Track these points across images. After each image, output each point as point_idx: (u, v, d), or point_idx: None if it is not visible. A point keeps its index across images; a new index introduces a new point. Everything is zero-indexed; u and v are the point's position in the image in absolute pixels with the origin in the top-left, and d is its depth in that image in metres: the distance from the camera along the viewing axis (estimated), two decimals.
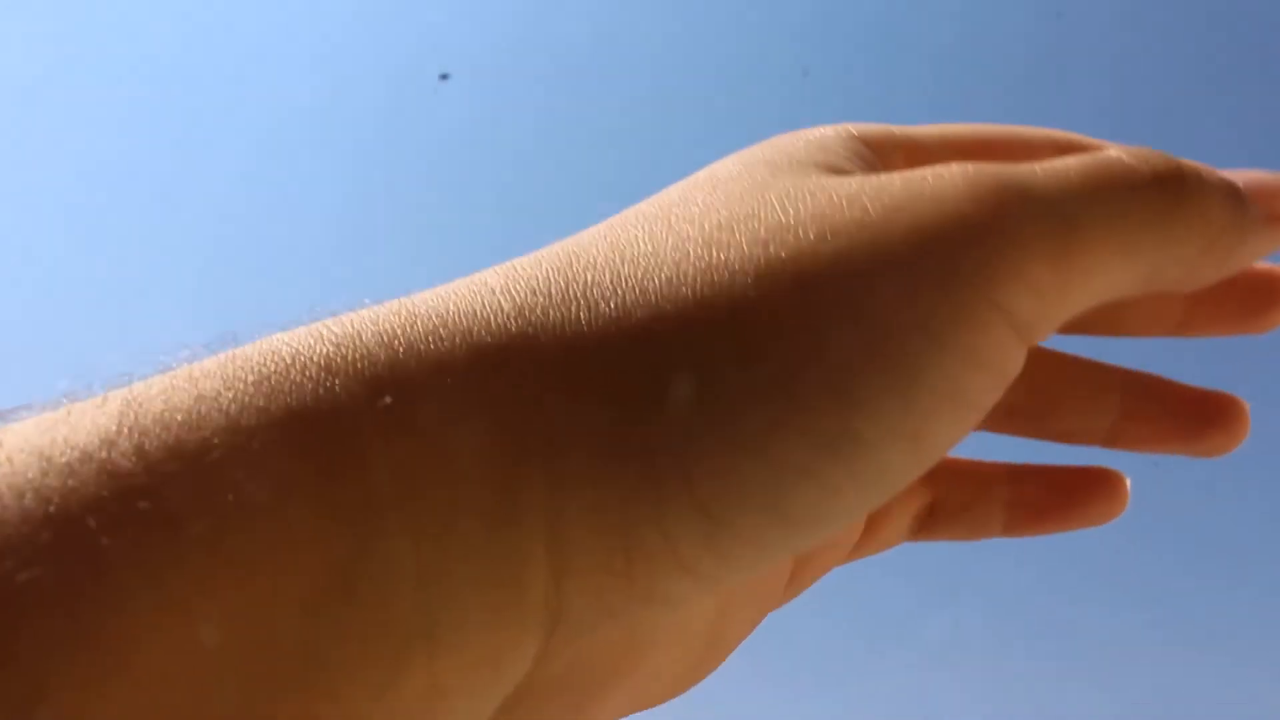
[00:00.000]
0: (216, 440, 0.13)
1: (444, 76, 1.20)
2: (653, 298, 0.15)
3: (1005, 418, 0.23)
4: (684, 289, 0.15)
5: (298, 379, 0.14)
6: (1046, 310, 0.16)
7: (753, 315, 0.15)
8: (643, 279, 0.16)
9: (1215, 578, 1.05)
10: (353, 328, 0.15)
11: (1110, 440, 0.23)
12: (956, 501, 0.23)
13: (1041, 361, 0.23)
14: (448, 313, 0.15)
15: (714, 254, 0.16)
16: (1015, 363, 0.16)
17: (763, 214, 0.16)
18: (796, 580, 0.21)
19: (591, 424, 0.15)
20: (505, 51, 1.22)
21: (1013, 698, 1.07)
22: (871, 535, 0.23)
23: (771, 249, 0.16)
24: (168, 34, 1.23)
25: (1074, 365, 0.23)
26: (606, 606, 0.15)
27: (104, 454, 0.13)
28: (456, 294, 0.16)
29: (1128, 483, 0.23)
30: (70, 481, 0.13)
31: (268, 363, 0.14)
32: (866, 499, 0.16)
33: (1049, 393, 0.23)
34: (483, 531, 0.14)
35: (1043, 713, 1.06)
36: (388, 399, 0.14)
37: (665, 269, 0.16)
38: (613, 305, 0.15)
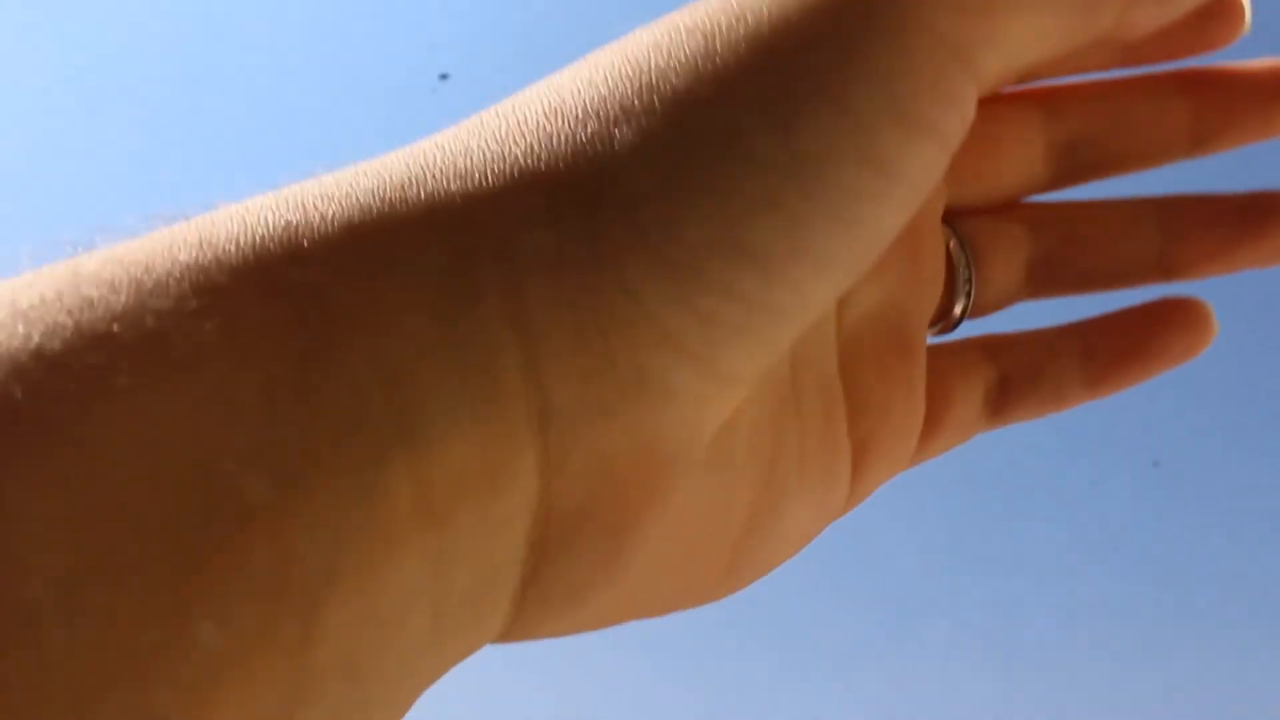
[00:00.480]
0: (158, 265, 0.14)
1: (444, 76, 1.20)
2: (580, 85, 0.16)
3: (1048, 278, 0.23)
4: (598, 74, 0.17)
5: (233, 212, 0.15)
6: (976, 30, 0.16)
7: (667, 71, 0.16)
8: (573, 79, 0.17)
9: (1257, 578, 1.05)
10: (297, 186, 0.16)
11: (1166, 272, 0.22)
12: (1027, 369, 0.22)
13: (1070, 212, 0.23)
14: (377, 161, 0.16)
15: (632, 42, 0.17)
16: (960, 89, 0.16)
17: (672, 15, 0.18)
18: (859, 484, 0.20)
19: (530, 206, 0.15)
20: (505, 51, 1.22)
21: (1013, 698, 1.07)
22: (938, 422, 0.22)
23: (681, 22, 0.17)
24: (166, 32, 1.23)
25: (1100, 205, 0.23)
26: (597, 398, 0.15)
27: (47, 283, 0.14)
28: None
29: (1208, 306, 0.22)
30: (13, 307, 0.13)
31: (214, 213, 0.15)
32: (841, 234, 0.16)
33: (1083, 237, 0.22)
34: (441, 322, 0.14)
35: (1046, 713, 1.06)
36: (327, 209, 0.15)
37: (585, 70, 0.17)
38: (545, 99, 0.16)
